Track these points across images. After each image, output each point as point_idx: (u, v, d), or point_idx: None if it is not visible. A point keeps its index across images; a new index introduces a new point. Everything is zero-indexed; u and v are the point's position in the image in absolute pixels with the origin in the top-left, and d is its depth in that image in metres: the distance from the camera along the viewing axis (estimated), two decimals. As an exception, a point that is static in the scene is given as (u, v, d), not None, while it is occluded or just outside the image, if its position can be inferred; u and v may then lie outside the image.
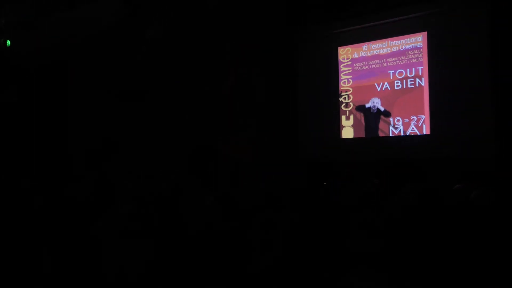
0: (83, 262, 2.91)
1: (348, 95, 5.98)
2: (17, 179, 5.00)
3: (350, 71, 5.97)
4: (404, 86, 5.57)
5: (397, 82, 5.62)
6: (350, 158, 5.84)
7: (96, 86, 7.46)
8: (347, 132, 5.99)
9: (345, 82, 6.02)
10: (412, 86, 5.51)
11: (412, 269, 2.54)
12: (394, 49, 5.64)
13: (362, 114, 5.87)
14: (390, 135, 5.65)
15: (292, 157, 6.30)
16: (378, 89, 5.75)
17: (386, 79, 5.70)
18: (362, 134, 5.87)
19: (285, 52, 6.49)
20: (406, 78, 5.56)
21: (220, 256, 2.85)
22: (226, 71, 6.73)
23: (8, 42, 7.19)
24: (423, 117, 5.42)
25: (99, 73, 7.32)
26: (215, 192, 3.79)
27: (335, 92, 6.10)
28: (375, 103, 5.77)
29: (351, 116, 5.95)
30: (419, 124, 5.45)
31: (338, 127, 6.08)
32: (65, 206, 3.50)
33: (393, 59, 5.65)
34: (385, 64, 5.71)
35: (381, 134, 5.71)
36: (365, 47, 5.85)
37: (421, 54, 5.45)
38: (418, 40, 5.48)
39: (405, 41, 5.56)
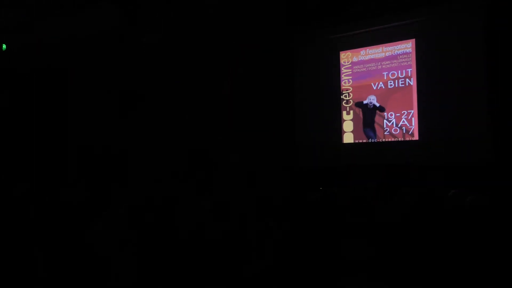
0: (78, 268, 2.83)
1: (348, 93, 6.93)
2: (14, 182, 4.90)
3: (350, 72, 6.91)
4: (396, 85, 6.53)
5: (390, 82, 6.57)
6: (347, 162, 6.61)
7: (94, 88, 7.59)
8: (347, 125, 6.94)
9: (346, 82, 6.96)
10: (403, 85, 6.46)
11: (408, 274, 2.57)
12: (387, 54, 6.58)
13: (360, 109, 6.82)
14: (384, 127, 6.62)
15: (291, 160, 6.86)
16: (374, 88, 6.70)
17: (381, 79, 6.65)
18: (360, 128, 6.80)
19: (285, 55, 7.05)
20: (398, 78, 6.51)
21: (217, 261, 2.79)
22: (226, 73, 7.06)
23: (4, 46, 7.35)
24: (412, 111, 6.40)
25: (98, 75, 7.51)
26: (211, 197, 3.68)
27: (337, 92, 7.00)
28: (372, 100, 6.72)
29: (351, 112, 6.91)
30: (408, 117, 6.42)
31: (339, 126, 6.92)
32: (60, 211, 3.42)
33: (386, 62, 6.59)
34: (380, 67, 6.64)
35: (376, 126, 6.67)
36: (363, 52, 6.78)
37: (410, 58, 6.40)
38: (407, 47, 6.42)
39: (397, 47, 6.50)
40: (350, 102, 6.91)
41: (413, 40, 6.36)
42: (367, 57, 6.76)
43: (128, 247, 2.92)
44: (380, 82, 6.64)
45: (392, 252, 2.76)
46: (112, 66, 7.39)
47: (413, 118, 6.36)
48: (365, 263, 2.67)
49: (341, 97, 6.98)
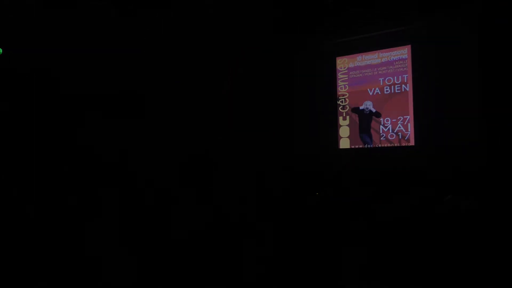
0: (76, 268, 2.83)
1: (345, 98, 6.97)
2: (14, 183, 4.94)
3: (347, 78, 6.96)
4: (392, 91, 6.57)
5: (386, 88, 6.62)
6: (343, 168, 6.60)
7: (93, 89, 7.43)
8: (344, 131, 6.97)
9: (342, 88, 7.00)
10: (399, 91, 6.51)
11: (406, 275, 2.60)
12: (383, 60, 6.63)
13: (356, 115, 6.85)
14: (380, 132, 6.65)
15: (287, 165, 6.83)
16: (370, 94, 6.74)
17: (377, 85, 6.69)
18: (356, 134, 6.83)
19: (283, 60, 7.13)
20: (394, 84, 6.56)
21: (217, 261, 2.81)
22: (225, 74, 7.12)
23: (0, 50, 7.17)
24: (408, 117, 6.44)
25: (96, 75, 7.38)
26: (212, 197, 3.72)
27: (333, 98, 7.03)
28: (368, 105, 6.76)
29: (347, 117, 6.95)
30: (404, 123, 6.46)
31: (335, 131, 6.97)
32: (60, 212, 3.42)
33: (383, 68, 6.64)
34: (376, 73, 6.69)
35: (373, 132, 6.70)
36: (359, 58, 6.83)
37: (406, 64, 6.45)
38: (403, 53, 6.48)
39: (393, 53, 6.56)
40: (347, 107, 6.95)
41: (409, 46, 6.42)
42: (363, 63, 6.80)
43: (126, 247, 2.95)
44: (376, 88, 6.68)
45: (391, 253, 2.81)
46: (111, 66, 7.32)
47: (409, 124, 6.39)
48: (364, 264, 2.73)
49: (338, 102, 7.02)
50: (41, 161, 7.51)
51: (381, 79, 6.65)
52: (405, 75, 6.44)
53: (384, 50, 6.62)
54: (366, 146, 6.72)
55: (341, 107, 6.99)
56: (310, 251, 2.93)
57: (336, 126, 7.01)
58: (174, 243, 3.07)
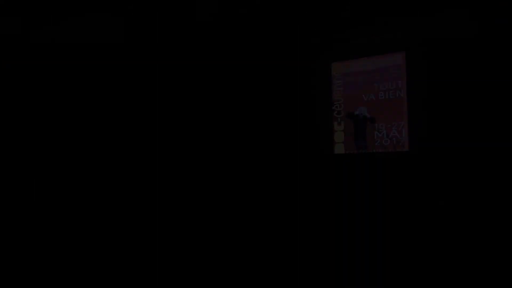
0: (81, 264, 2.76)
1: (339, 104, 6.98)
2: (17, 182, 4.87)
3: (341, 83, 6.97)
4: (387, 97, 6.58)
5: (381, 94, 6.63)
6: (338, 173, 6.58)
7: (90, 90, 7.47)
8: (338, 136, 6.96)
9: (337, 93, 7.01)
10: (393, 97, 6.53)
11: (402, 278, 2.67)
12: (378, 65, 6.65)
13: (351, 120, 6.86)
14: (375, 138, 6.64)
15: (282, 170, 6.89)
16: (365, 99, 6.75)
17: (372, 90, 6.71)
18: (351, 139, 6.80)
19: (278, 65, 7.16)
20: (388, 90, 6.57)
21: (218, 261, 2.83)
22: (222, 79, 7.22)
23: None
24: (402, 122, 6.44)
25: (95, 75, 7.38)
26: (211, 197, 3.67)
27: (328, 103, 7.03)
28: (363, 111, 6.76)
29: (342, 123, 6.95)
30: (399, 128, 6.47)
31: (329, 136, 6.98)
32: (60, 209, 3.35)
33: (377, 74, 6.66)
34: (371, 78, 6.71)
35: (367, 137, 6.70)
36: (355, 63, 6.85)
37: (400, 70, 6.48)
38: (398, 59, 6.51)
39: (388, 59, 6.58)
40: (341, 113, 6.94)
41: (403, 53, 6.45)
42: (358, 69, 6.82)
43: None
44: (371, 93, 6.69)
45: (389, 255, 2.74)
46: (111, 68, 7.33)
47: (403, 129, 6.40)
48: (363, 265, 2.63)
49: (333, 108, 7.01)
50: (42, 161, 7.53)
51: (376, 84, 6.66)
52: (400, 81, 6.46)
53: (379, 56, 6.64)
54: (360, 151, 6.71)
55: (335, 112, 6.99)
56: (308, 253, 2.87)
57: (330, 132, 7.00)
58: (173, 242, 3.00)
